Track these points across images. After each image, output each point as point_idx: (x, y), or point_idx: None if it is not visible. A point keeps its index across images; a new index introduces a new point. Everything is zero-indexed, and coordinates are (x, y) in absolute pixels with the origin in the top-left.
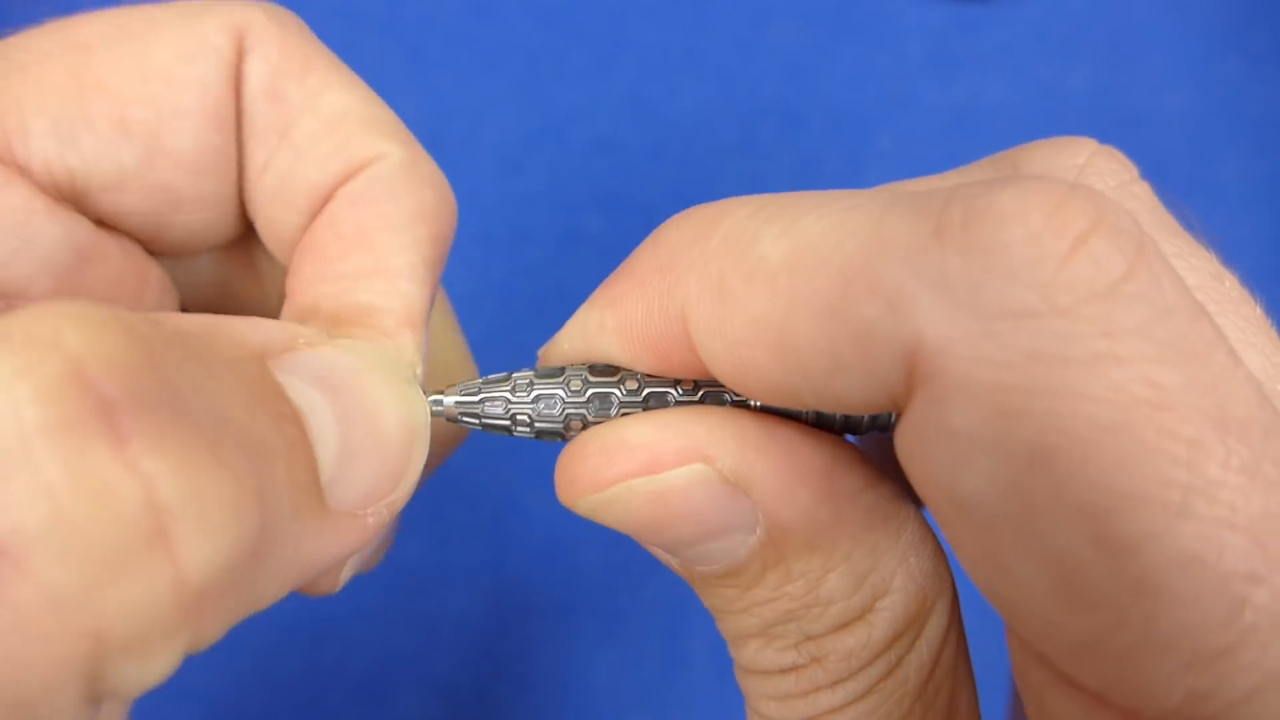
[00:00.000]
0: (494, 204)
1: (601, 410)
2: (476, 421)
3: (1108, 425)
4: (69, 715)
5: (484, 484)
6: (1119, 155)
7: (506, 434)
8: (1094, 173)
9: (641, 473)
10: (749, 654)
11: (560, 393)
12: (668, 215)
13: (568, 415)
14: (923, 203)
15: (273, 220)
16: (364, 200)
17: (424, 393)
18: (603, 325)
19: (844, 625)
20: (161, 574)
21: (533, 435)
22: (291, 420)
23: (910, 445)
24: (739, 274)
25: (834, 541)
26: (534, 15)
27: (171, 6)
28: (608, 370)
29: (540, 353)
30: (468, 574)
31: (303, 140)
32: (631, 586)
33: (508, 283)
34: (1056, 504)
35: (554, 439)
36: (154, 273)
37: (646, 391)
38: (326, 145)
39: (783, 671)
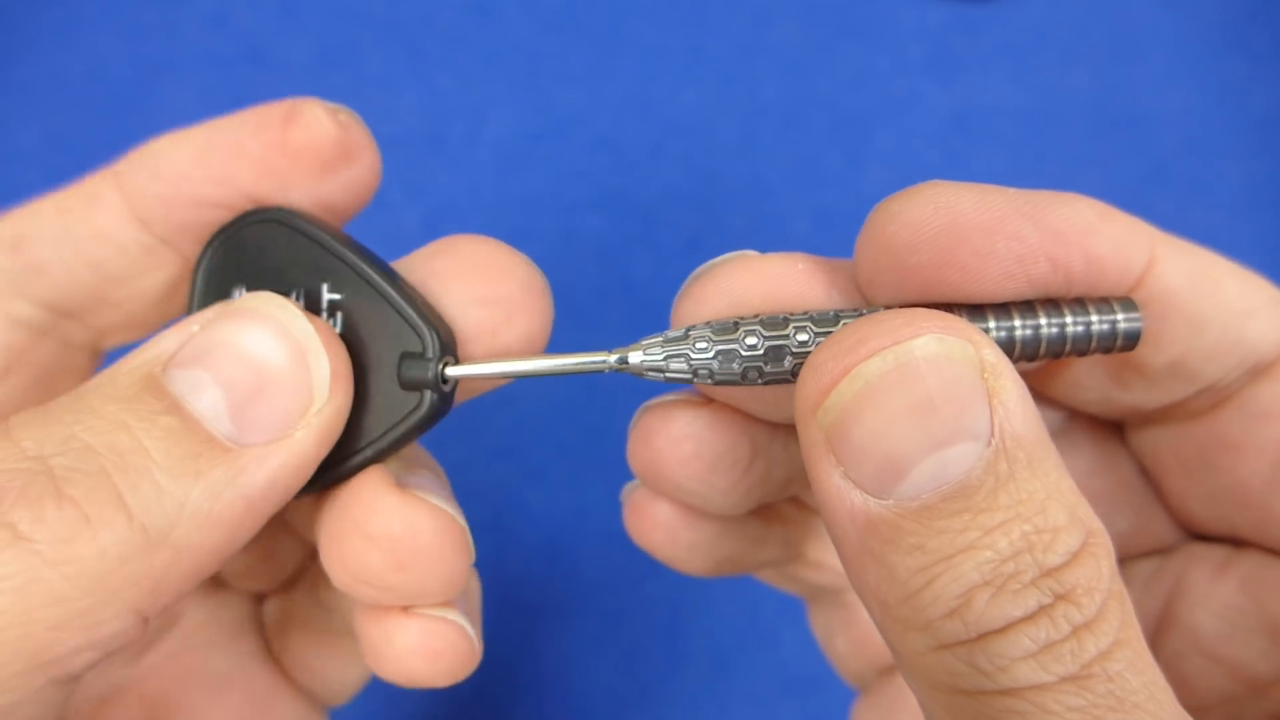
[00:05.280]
0: (494, 204)
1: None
2: (661, 376)
3: None
4: None
5: (484, 484)
6: None
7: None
8: None
9: (890, 345)
10: (977, 611)
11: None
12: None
13: (745, 368)
14: None
15: None
16: None
17: (613, 351)
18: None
19: (1075, 556)
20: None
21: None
22: (167, 410)
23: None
24: None
25: (1047, 465)
26: (534, 15)
27: None
28: (775, 321)
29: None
30: None
31: None
32: (631, 586)
33: None
34: None
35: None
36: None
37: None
38: None
39: (1030, 617)
